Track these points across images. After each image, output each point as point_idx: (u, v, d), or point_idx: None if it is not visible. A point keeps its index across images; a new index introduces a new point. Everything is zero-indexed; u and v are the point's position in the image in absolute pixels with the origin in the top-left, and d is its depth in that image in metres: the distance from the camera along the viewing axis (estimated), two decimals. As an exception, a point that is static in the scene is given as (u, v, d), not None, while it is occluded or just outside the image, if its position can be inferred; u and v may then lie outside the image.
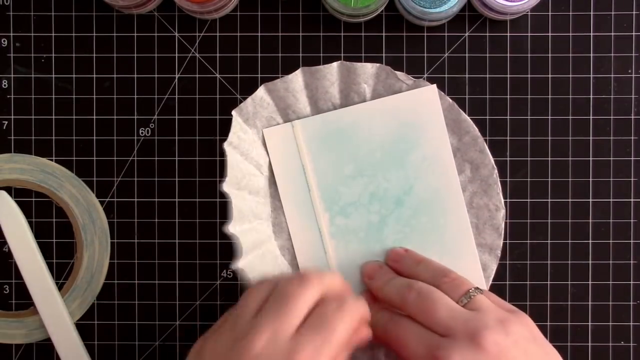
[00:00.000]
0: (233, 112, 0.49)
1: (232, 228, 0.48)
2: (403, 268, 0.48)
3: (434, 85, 0.50)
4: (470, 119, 0.50)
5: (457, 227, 0.50)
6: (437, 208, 0.50)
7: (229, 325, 0.39)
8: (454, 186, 0.50)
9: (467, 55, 0.53)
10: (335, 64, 0.50)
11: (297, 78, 0.50)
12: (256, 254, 0.49)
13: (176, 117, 0.53)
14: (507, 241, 0.52)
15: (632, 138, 0.53)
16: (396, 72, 0.50)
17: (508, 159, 0.53)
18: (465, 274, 0.46)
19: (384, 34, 0.53)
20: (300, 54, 0.53)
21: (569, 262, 0.53)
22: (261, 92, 0.49)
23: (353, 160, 0.50)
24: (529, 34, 0.53)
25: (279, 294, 0.40)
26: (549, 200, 0.53)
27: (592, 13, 0.53)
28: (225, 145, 0.48)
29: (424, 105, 0.50)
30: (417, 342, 0.41)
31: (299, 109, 0.51)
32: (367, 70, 0.50)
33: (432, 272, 0.46)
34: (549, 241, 0.53)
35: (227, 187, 0.48)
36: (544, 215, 0.53)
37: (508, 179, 0.53)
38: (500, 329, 0.40)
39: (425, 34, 0.53)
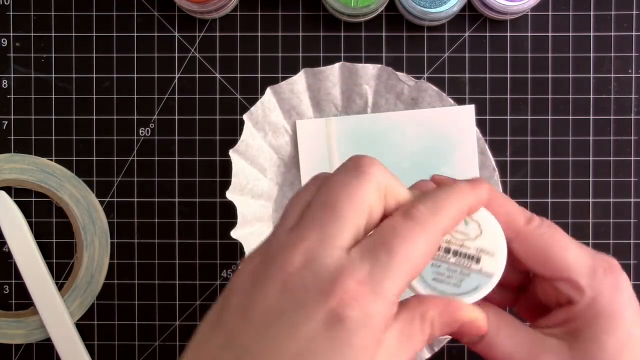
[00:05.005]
0: (244, 117, 0.49)
1: (234, 233, 0.48)
2: None
3: (472, 106, 0.50)
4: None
5: None
6: None
7: (263, 245, 0.31)
8: None
9: (467, 55, 0.53)
10: (336, 65, 0.50)
11: (300, 79, 0.50)
12: None
13: (176, 117, 0.53)
14: (507, 241, 0.52)
15: (632, 138, 0.53)
16: (397, 73, 0.50)
17: (508, 159, 0.53)
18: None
19: (384, 34, 0.53)
20: (300, 54, 0.53)
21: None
22: (268, 94, 0.49)
23: None
24: (529, 34, 0.53)
25: (322, 195, 0.30)
26: (549, 200, 0.53)
27: (592, 13, 0.53)
28: (231, 152, 0.48)
29: (459, 123, 0.50)
30: (581, 250, 0.35)
31: (302, 110, 0.51)
32: (369, 72, 0.50)
33: None
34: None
35: (229, 194, 0.48)
36: (544, 215, 0.52)
37: (508, 179, 0.53)
38: None
39: (425, 34, 0.53)
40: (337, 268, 0.28)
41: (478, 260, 0.33)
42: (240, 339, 0.28)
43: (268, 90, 0.49)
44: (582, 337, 0.34)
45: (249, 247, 0.48)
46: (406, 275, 0.29)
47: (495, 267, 0.33)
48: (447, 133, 0.50)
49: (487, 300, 0.36)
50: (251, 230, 0.49)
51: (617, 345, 0.34)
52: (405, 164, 0.50)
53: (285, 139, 0.51)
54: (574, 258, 0.35)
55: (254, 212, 0.50)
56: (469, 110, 0.50)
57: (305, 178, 0.50)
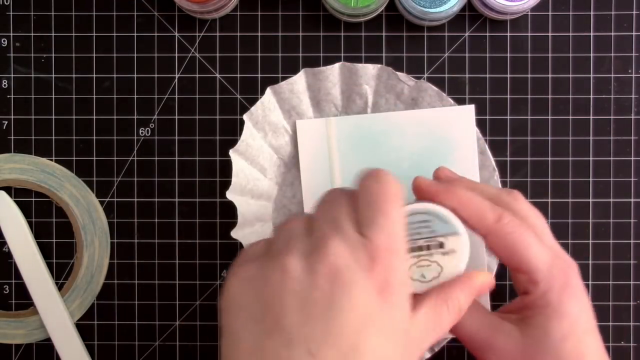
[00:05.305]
0: (244, 117, 0.49)
1: (235, 233, 0.48)
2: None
3: (472, 106, 0.50)
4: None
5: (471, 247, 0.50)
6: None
7: (285, 245, 0.35)
8: None
9: (467, 55, 0.53)
10: (336, 65, 0.50)
11: (300, 79, 0.50)
12: None
13: (176, 117, 0.53)
14: (507, 241, 0.52)
15: (632, 138, 0.53)
16: (397, 73, 0.50)
17: (508, 159, 0.53)
18: None
19: (384, 34, 0.53)
20: (300, 54, 0.53)
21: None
22: (268, 94, 0.50)
23: (380, 166, 0.50)
24: (529, 34, 0.53)
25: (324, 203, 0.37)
26: (549, 200, 0.53)
27: (592, 13, 0.53)
28: (231, 152, 0.48)
29: (459, 123, 0.50)
30: (544, 250, 0.41)
31: (302, 110, 0.51)
32: (369, 72, 0.50)
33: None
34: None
35: (230, 194, 0.48)
36: (544, 215, 0.53)
37: (508, 179, 0.53)
38: None
39: (425, 34, 0.53)
40: (365, 246, 0.34)
41: (442, 245, 0.40)
42: (303, 333, 0.32)
43: (268, 90, 0.49)
44: (532, 323, 0.40)
45: None
46: (402, 229, 0.36)
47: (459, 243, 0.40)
48: (447, 133, 0.50)
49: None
50: (251, 230, 0.49)
51: (560, 334, 0.39)
52: (405, 164, 0.50)
53: (285, 139, 0.51)
54: (534, 256, 0.40)
55: (254, 212, 0.50)
56: (469, 110, 0.50)
57: (305, 178, 0.50)
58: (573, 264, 0.42)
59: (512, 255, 0.40)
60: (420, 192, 0.42)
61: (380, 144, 0.50)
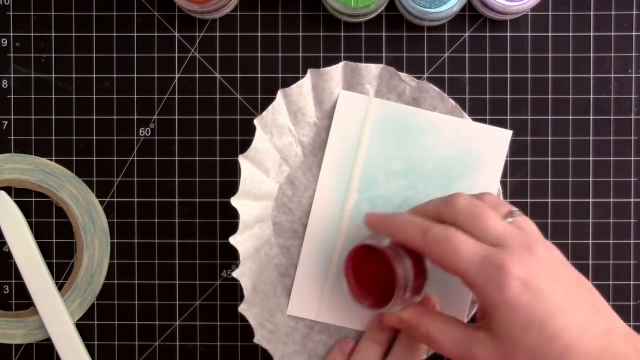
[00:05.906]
0: (255, 122, 0.48)
1: (233, 239, 0.48)
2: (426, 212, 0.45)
3: (510, 132, 0.50)
4: (471, 119, 0.50)
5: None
6: None
7: None
8: None
9: (467, 55, 0.53)
10: (340, 65, 0.49)
11: (307, 80, 0.50)
12: (254, 258, 0.49)
13: (176, 117, 0.53)
14: (507, 241, 0.52)
15: (632, 138, 0.53)
16: (400, 73, 0.50)
17: (508, 159, 0.53)
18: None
19: (384, 34, 0.53)
20: (300, 54, 0.53)
21: (569, 262, 0.53)
22: (279, 98, 0.49)
23: (405, 159, 0.50)
24: (529, 34, 0.53)
25: None
26: (549, 200, 0.53)
27: (592, 13, 0.53)
28: (240, 158, 0.48)
29: (492, 144, 0.50)
30: (472, 251, 0.40)
31: (307, 111, 0.50)
32: (371, 71, 0.50)
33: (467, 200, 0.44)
34: (549, 241, 0.53)
35: (234, 200, 0.48)
36: (544, 215, 0.53)
37: (508, 179, 0.53)
38: (546, 248, 0.42)
39: (425, 34, 0.53)
40: None
41: None
42: None
43: (279, 94, 0.49)
44: (494, 324, 0.40)
45: (245, 252, 0.48)
46: None
47: None
48: (478, 149, 0.50)
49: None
50: (249, 233, 0.49)
51: (520, 325, 0.39)
52: (429, 165, 0.50)
53: (289, 140, 0.51)
54: (463, 261, 0.40)
55: (255, 214, 0.50)
56: (506, 135, 0.50)
57: (329, 150, 0.50)
58: (504, 258, 0.40)
59: (443, 265, 0.41)
60: (368, 226, 0.45)
61: (412, 139, 0.50)
